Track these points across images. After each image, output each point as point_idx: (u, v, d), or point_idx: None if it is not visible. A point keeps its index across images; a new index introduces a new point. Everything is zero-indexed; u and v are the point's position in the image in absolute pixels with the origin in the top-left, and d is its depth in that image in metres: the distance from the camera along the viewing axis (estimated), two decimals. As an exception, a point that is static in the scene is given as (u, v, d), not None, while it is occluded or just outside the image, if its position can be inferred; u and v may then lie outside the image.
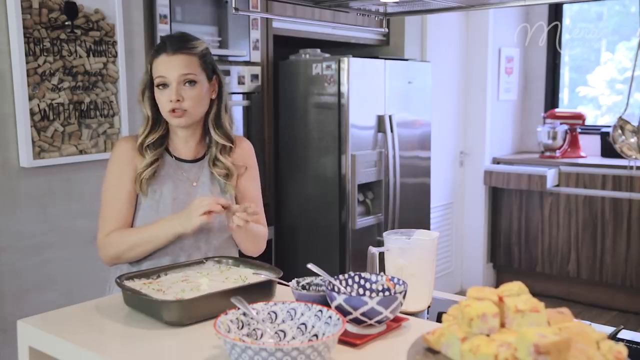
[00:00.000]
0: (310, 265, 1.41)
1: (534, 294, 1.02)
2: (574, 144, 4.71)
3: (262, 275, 1.51)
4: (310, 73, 3.34)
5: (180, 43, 1.72)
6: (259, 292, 1.42)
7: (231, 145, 1.81)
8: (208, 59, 1.76)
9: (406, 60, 3.79)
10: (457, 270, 4.90)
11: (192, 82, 1.70)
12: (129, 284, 1.43)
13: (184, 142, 1.79)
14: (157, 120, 1.76)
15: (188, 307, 1.31)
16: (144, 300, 1.35)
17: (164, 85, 1.70)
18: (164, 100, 1.70)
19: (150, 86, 1.75)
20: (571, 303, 4.42)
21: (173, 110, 1.69)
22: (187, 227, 1.62)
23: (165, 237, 1.67)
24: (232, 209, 1.62)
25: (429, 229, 3.85)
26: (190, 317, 1.32)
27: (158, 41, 2.75)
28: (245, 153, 1.87)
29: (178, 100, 1.68)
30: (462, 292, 4.59)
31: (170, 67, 1.69)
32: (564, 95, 5.18)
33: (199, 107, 1.73)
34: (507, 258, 4.87)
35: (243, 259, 1.68)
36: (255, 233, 1.80)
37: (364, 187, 3.44)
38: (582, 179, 4.44)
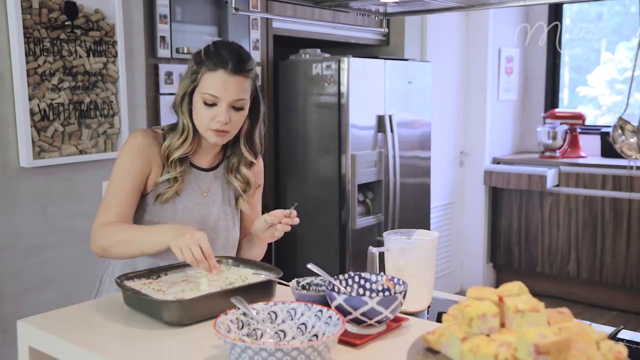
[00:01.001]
0: (310, 265, 1.41)
1: (534, 294, 1.02)
2: (574, 144, 4.71)
3: (262, 275, 1.51)
4: (310, 73, 3.34)
5: (241, 64, 1.62)
6: (259, 292, 1.42)
7: (254, 161, 1.77)
8: (256, 80, 1.71)
9: (406, 60, 3.79)
10: (457, 270, 4.90)
11: (240, 108, 1.64)
12: (129, 284, 1.43)
13: (204, 151, 1.73)
14: (194, 133, 1.67)
15: (188, 307, 1.31)
16: (144, 300, 1.35)
17: (213, 104, 1.61)
18: (209, 117, 1.62)
19: (191, 93, 1.65)
20: (571, 303, 4.42)
21: (217, 130, 1.62)
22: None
23: (157, 247, 1.55)
24: (275, 218, 1.64)
25: (429, 229, 3.85)
26: (190, 317, 1.32)
27: (158, 41, 2.75)
28: (260, 170, 1.84)
29: (226, 123, 1.62)
30: (462, 292, 4.59)
31: (227, 89, 1.60)
32: (564, 95, 5.18)
33: (238, 128, 1.69)
34: (507, 258, 4.87)
35: (243, 258, 1.68)
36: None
37: (364, 187, 3.44)
38: (582, 179, 4.44)
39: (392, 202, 3.52)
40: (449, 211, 4.75)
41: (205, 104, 1.61)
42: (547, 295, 4.50)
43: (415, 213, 3.80)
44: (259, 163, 1.84)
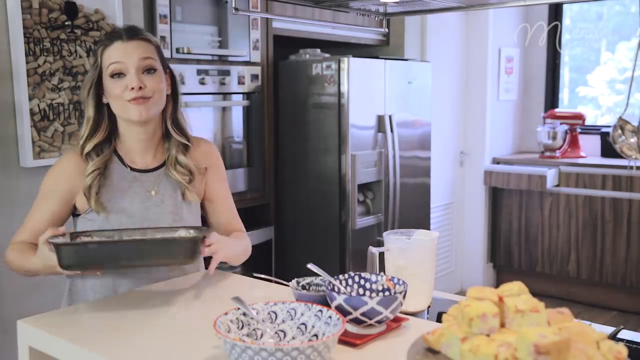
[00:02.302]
0: (310, 265, 1.41)
1: (534, 294, 1.02)
2: (574, 144, 4.72)
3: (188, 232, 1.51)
4: (310, 73, 3.34)
5: (135, 30, 1.61)
6: (163, 249, 1.41)
7: (188, 143, 1.68)
8: (162, 52, 1.67)
9: (406, 60, 3.79)
10: (457, 270, 4.90)
11: (151, 70, 1.58)
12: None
13: (141, 150, 1.65)
14: (98, 122, 1.61)
15: (77, 251, 1.37)
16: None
17: (120, 74, 1.56)
18: (121, 89, 1.55)
19: (97, 83, 1.60)
20: (571, 303, 4.42)
21: (134, 99, 1.55)
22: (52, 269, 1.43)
23: (44, 272, 1.51)
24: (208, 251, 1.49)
25: (429, 229, 3.85)
26: (81, 264, 1.38)
27: (158, 41, 2.75)
28: (206, 154, 1.75)
29: (140, 88, 1.54)
30: (462, 292, 4.59)
31: (127, 52, 1.56)
32: (564, 95, 5.18)
33: (161, 96, 1.61)
34: (507, 258, 4.87)
35: (209, 227, 1.66)
36: (243, 248, 1.73)
37: (364, 187, 3.44)
38: (582, 179, 4.44)
39: (392, 202, 3.52)
40: (449, 211, 4.75)
41: (113, 77, 1.56)
42: (547, 295, 4.50)
43: (415, 213, 3.80)
44: (200, 146, 1.74)
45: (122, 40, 1.58)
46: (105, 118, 1.63)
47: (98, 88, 1.61)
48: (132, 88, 1.55)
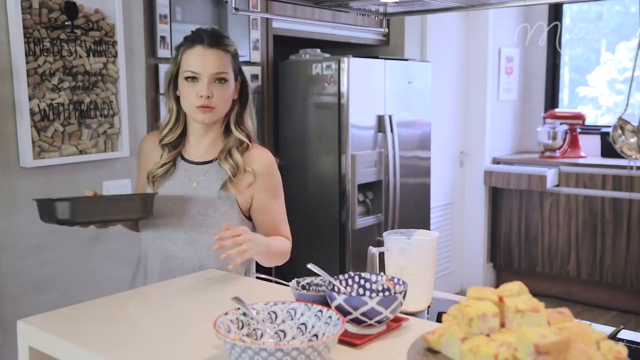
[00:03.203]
0: (310, 265, 1.41)
1: (534, 294, 1.02)
2: (574, 144, 4.72)
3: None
4: (310, 73, 3.34)
5: (217, 38, 1.71)
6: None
7: (249, 143, 1.77)
8: (237, 60, 1.77)
9: (406, 60, 3.79)
10: (457, 270, 4.90)
11: (223, 80, 1.70)
12: None
13: (197, 141, 1.79)
14: (179, 113, 1.77)
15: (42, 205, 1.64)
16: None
17: (194, 79, 1.69)
18: (193, 94, 1.68)
19: (175, 77, 1.74)
20: (571, 303, 4.42)
21: (201, 106, 1.68)
22: None
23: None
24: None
25: (429, 229, 3.85)
26: (50, 218, 1.64)
27: (158, 41, 2.75)
28: (259, 162, 1.77)
29: (208, 97, 1.67)
30: (462, 292, 4.59)
31: (205, 62, 1.68)
32: (564, 95, 5.18)
33: (225, 106, 1.73)
34: (507, 258, 4.87)
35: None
36: (280, 251, 1.79)
37: (364, 187, 3.44)
38: (582, 179, 4.44)
39: (392, 202, 3.52)
40: (449, 211, 4.75)
41: (187, 80, 1.69)
42: (547, 295, 4.50)
43: (415, 213, 3.80)
44: (257, 153, 1.78)
45: (202, 45, 1.69)
46: (183, 110, 1.76)
47: (176, 82, 1.75)
48: (202, 96, 1.67)
